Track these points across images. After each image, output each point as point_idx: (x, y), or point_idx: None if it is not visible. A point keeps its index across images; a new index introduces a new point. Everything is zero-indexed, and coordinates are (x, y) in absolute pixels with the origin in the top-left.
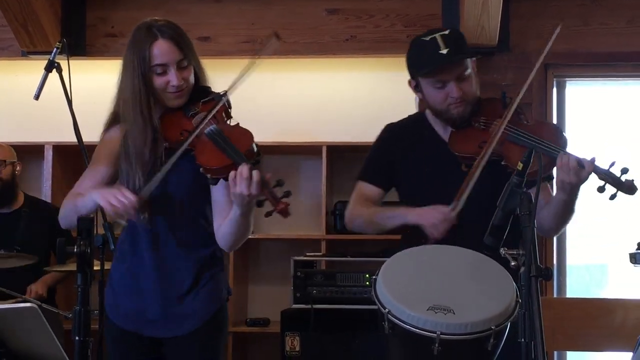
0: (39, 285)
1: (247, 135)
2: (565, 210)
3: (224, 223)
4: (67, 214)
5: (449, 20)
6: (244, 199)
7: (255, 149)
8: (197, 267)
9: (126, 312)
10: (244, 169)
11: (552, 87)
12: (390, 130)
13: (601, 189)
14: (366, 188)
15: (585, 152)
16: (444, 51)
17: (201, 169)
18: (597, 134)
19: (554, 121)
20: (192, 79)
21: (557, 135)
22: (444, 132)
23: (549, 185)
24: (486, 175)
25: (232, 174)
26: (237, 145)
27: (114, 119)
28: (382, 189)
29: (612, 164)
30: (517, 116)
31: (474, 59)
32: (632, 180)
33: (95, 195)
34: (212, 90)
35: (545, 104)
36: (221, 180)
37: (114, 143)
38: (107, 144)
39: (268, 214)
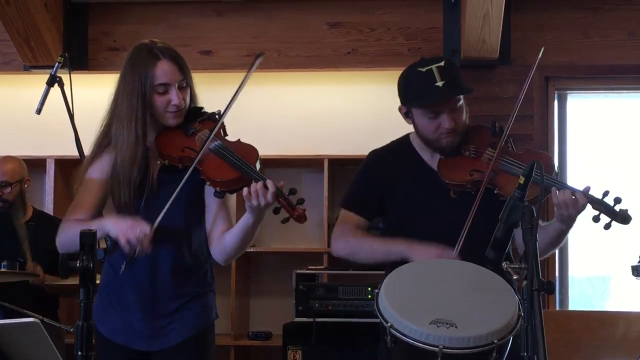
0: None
1: (253, 148)
2: (561, 238)
3: (228, 232)
4: (71, 242)
5: (450, 33)
6: (261, 209)
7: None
8: (187, 285)
9: (114, 325)
10: (259, 181)
11: (554, 100)
12: (375, 158)
13: (596, 219)
14: (351, 217)
15: (587, 165)
16: (440, 84)
17: (208, 183)
18: (599, 147)
19: (555, 134)
20: (188, 99)
21: (548, 165)
22: (431, 158)
23: None
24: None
25: (252, 186)
26: (245, 158)
27: (103, 140)
28: (366, 219)
29: (606, 194)
30: (506, 145)
31: None
32: (626, 210)
33: (108, 226)
34: (205, 109)
35: (547, 117)
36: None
37: (104, 172)
38: (97, 169)
39: (285, 220)
